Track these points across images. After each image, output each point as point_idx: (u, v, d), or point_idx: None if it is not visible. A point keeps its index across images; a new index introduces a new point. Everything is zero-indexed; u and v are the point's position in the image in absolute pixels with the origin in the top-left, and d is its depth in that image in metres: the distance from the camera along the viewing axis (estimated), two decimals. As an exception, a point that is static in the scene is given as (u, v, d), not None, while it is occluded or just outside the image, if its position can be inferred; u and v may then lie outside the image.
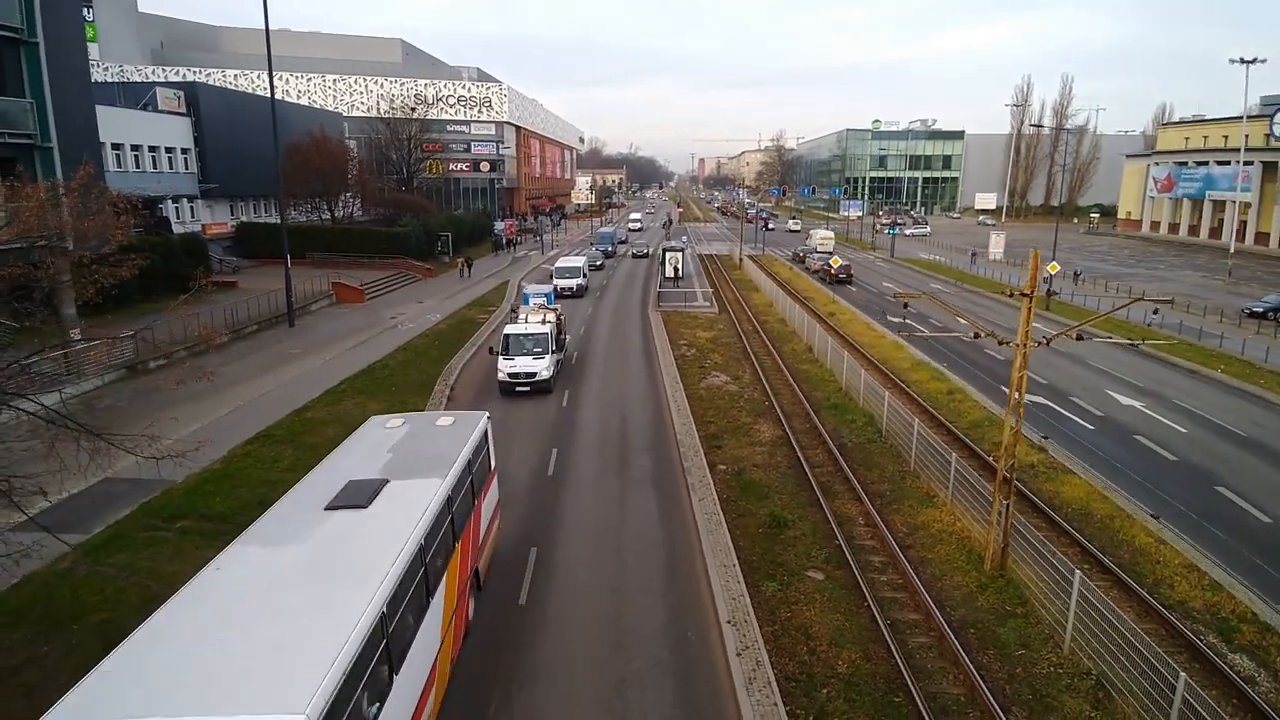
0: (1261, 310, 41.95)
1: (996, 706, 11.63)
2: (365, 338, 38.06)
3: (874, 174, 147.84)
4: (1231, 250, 60.65)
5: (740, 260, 66.93)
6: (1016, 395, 14.79)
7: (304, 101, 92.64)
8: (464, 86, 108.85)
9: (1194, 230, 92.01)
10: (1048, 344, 15.48)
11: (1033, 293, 14.16)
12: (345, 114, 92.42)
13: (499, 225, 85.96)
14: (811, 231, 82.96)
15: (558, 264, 55.60)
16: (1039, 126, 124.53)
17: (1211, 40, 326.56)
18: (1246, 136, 71.34)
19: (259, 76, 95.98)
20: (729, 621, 13.86)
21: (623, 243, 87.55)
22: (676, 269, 54.87)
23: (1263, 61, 56.58)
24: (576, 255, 63.03)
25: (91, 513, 18.29)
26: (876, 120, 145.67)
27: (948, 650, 13.20)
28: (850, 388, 28.30)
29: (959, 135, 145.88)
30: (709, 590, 15.13)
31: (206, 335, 12.07)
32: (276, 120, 66.61)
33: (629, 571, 16.05)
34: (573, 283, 51.30)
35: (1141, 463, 22.05)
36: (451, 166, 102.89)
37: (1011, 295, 15.44)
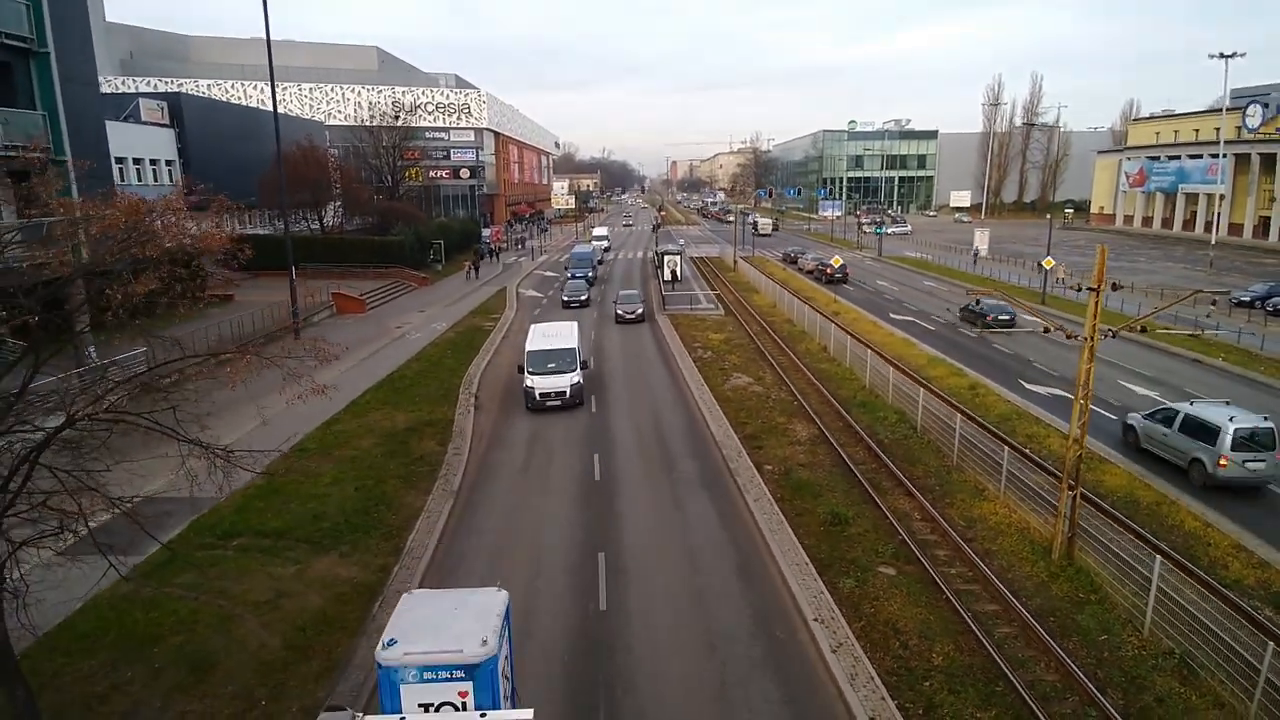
0: (1249, 299, 43.23)
1: (1094, 689, 11.92)
2: (375, 348, 37.71)
3: (851, 174, 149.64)
4: (1213, 242, 62.42)
5: (735, 262, 67.32)
6: (1083, 389, 15.13)
7: (281, 111, 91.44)
8: (442, 93, 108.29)
9: (1167, 223, 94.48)
10: (1114, 335, 15.87)
11: (1099, 287, 14.53)
12: (324, 123, 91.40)
13: (486, 232, 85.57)
14: (758, 221, 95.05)
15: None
16: (1030, 125, 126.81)
17: (1175, 37, 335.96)
18: (1219, 130, 73.39)
19: (233, 86, 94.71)
20: (816, 619, 14.03)
21: (600, 262, 68.60)
22: (674, 271, 55.15)
23: (1241, 55, 58.33)
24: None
25: (138, 534, 17.93)
26: (852, 121, 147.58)
27: (1034, 639, 13.47)
28: (874, 385, 28.68)
29: (933, 135, 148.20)
30: (787, 589, 15.29)
31: (321, 352, 11.78)
32: (263, 130, 65.82)
33: (702, 573, 16.15)
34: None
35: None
36: (432, 174, 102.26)
37: (1080, 290, 15.78)
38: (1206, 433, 19.87)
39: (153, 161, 53.53)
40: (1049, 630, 13.66)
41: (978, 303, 40.77)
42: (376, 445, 23.84)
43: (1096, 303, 14.69)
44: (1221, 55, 58.63)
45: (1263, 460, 19.07)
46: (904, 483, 20.05)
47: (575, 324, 30.80)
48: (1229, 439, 19.20)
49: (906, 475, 20.54)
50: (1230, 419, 19.59)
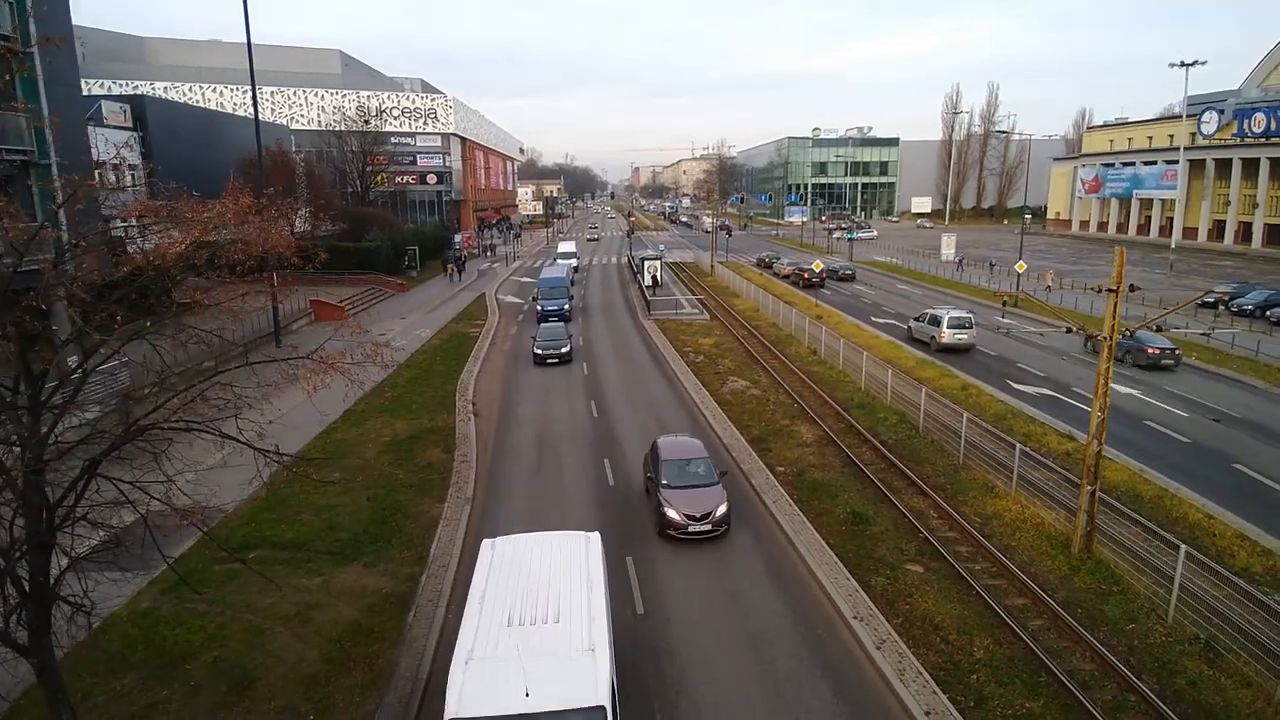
0: (1213, 300, 45.00)
1: (1130, 675, 12.33)
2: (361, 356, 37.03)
3: (815, 180, 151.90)
4: (1173, 246, 64.82)
5: (712, 267, 67.81)
6: (1102, 386, 15.65)
7: (245, 115, 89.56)
8: (409, 98, 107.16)
9: (1122, 228, 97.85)
10: (1132, 334, 16.42)
11: (1119, 289, 15.05)
12: (290, 127, 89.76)
13: (458, 238, 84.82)
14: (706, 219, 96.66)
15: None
16: (1002, 133, 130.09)
17: (1122, 49, 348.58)
18: (1173, 137, 76.30)
19: (190, 89, 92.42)
20: (856, 617, 14.23)
21: (572, 283, 55.97)
22: (655, 277, 55.29)
23: (1203, 63, 60.61)
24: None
25: (147, 549, 17.42)
26: (816, 128, 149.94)
27: (1066, 630, 13.87)
28: (869, 388, 29.17)
29: (894, 142, 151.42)
30: (820, 588, 15.48)
31: (379, 357, 11.65)
32: (227, 134, 64.27)
33: (732, 574, 16.27)
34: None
35: (1160, 446, 23.46)
36: (399, 179, 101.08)
37: (1100, 291, 16.35)
38: (936, 321, 36.62)
39: (115, 166, 51.95)
40: (1079, 621, 14.08)
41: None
42: (381, 454, 23.49)
43: (1115, 303, 15.24)
44: (1182, 64, 60.97)
45: (964, 334, 35.82)
46: (916, 482, 20.44)
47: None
48: (945, 322, 36.09)
49: (916, 474, 20.94)
50: (947, 313, 36.71)
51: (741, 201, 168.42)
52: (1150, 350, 32.28)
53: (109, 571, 10.02)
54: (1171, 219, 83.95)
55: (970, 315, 36.81)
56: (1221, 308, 44.66)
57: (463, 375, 33.01)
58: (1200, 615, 13.50)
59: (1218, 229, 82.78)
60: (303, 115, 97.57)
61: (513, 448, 24.48)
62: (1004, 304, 34.90)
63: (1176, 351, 32.92)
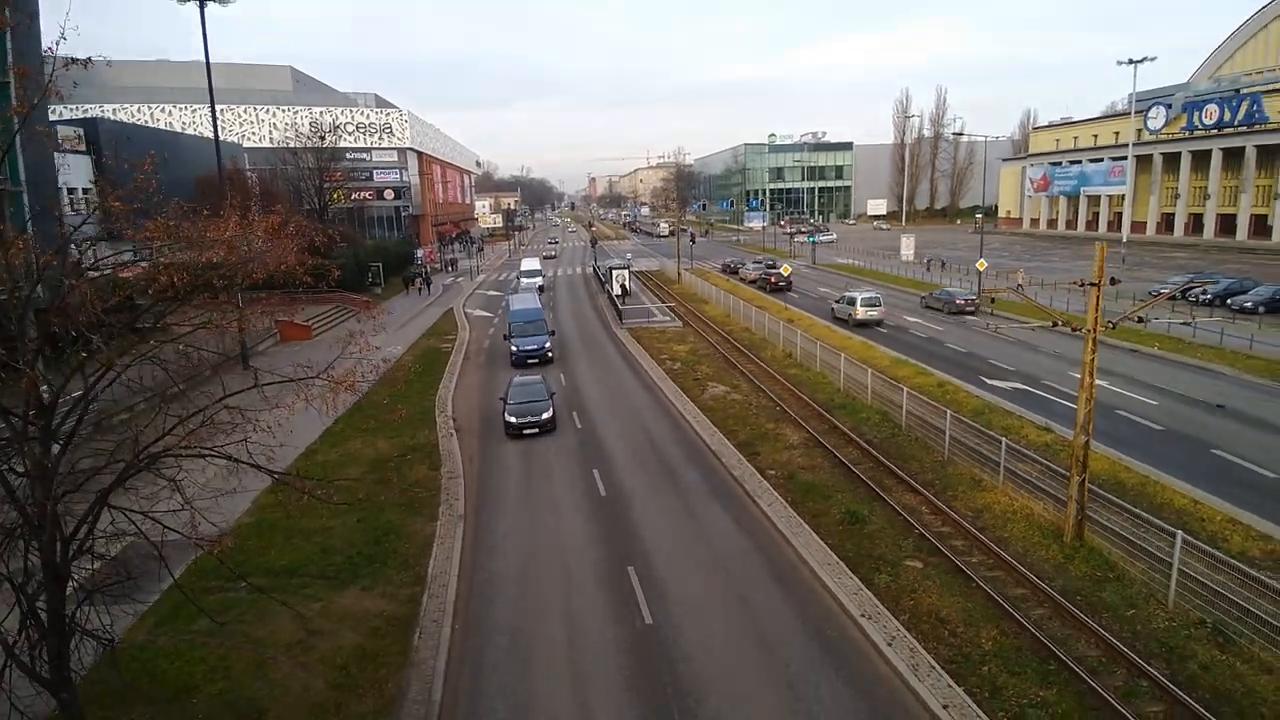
0: (1166, 291, 46.46)
1: (1141, 660, 12.62)
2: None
3: (773, 185, 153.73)
4: (1124, 240, 67.04)
5: (679, 274, 68.09)
6: (1088, 378, 16.06)
7: (194, 134, 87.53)
8: (362, 113, 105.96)
9: (1071, 224, 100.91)
10: (1114, 326, 16.88)
11: (1100, 282, 15.48)
12: (242, 145, 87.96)
13: (420, 253, 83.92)
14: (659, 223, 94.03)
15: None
16: (959, 134, 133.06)
17: (1062, 51, 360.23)
18: (1118, 134, 78.96)
19: (139, 110, 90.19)
20: (864, 616, 14.35)
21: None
22: (624, 285, 55.38)
23: (1152, 60, 62.98)
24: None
25: (131, 580, 16.81)
26: (772, 134, 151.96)
27: (1069, 618, 14.15)
28: (849, 388, 29.53)
29: (848, 146, 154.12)
30: (825, 589, 15.58)
31: (377, 368, 11.44)
32: (180, 155, 62.71)
33: (736, 579, 16.28)
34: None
35: (1135, 434, 24.14)
36: (355, 195, 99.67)
37: (1082, 285, 16.78)
38: (852, 302, 43.37)
39: (70, 190, 50.36)
40: (1079, 609, 14.37)
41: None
42: (366, 474, 23.03)
43: (1098, 297, 15.66)
44: (1130, 61, 63.33)
45: (874, 310, 42.74)
46: (905, 479, 20.72)
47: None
48: (859, 301, 42.90)
49: (905, 472, 21.23)
50: (860, 294, 43.81)
51: (704, 208, 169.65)
52: (959, 301, 46.19)
53: (121, 604, 9.66)
54: (1119, 214, 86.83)
55: (878, 296, 45.35)
56: (1180, 297, 46.11)
57: (440, 391, 32.61)
58: (1203, 600, 13.85)
59: (1166, 222, 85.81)
60: (254, 133, 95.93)
61: (499, 461, 24.24)
62: (991, 300, 36.17)
63: (975, 302, 45.99)
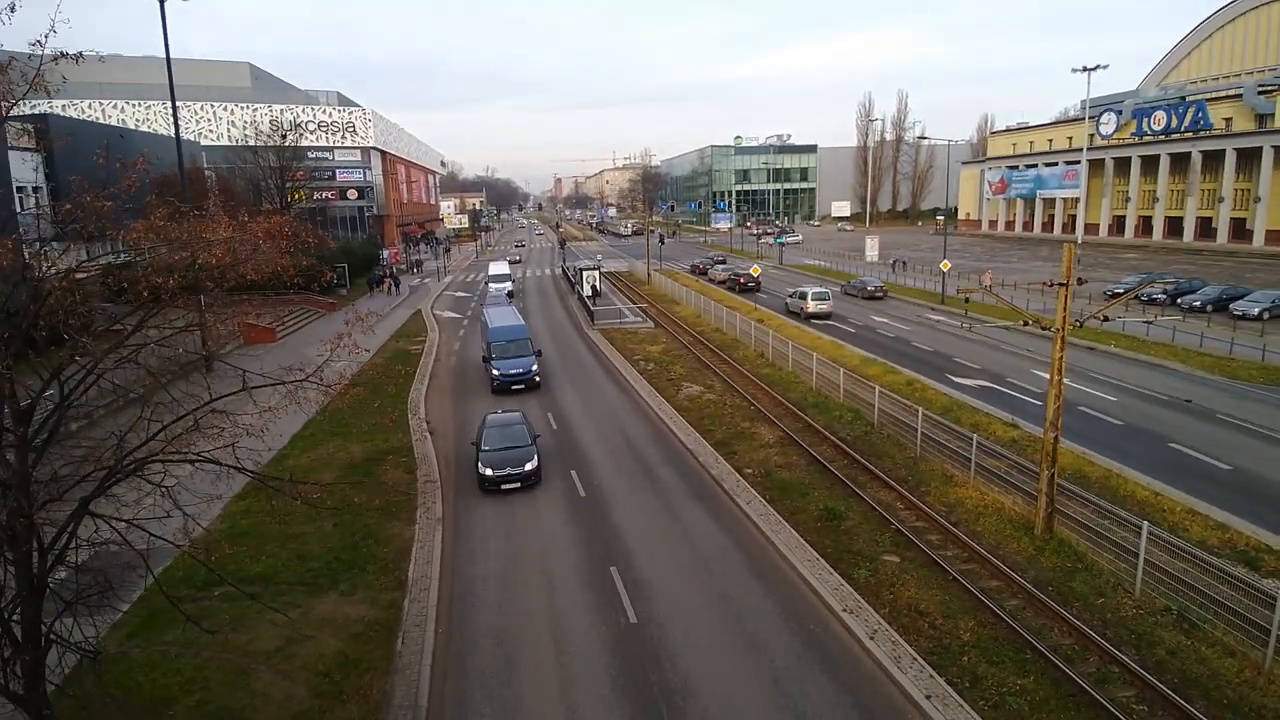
0: (1121, 291, 48.03)
1: (1112, 647, 13.06)
2: (300, 378, 35.71)
3: (739, 187, 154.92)
4: (1079, 241, 68.93)
5: (649, 275, 68.27)
6: (1057, 376, 16.55)
7: (150, 131, 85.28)
8: (324, 111, 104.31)
9: (1028, 226, 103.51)
10: (1080, 325, 17.41)
11: (1068, 283, 15.98)
12: (200, 143, 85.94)
13: (385, 254, 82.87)
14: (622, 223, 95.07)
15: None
16: (923, 138, 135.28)
17: (1019, 57, 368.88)
18: (1071, 139, 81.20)
19: (90, 106, 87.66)
20: (845, 610, 14.60)
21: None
22: (594, 286, 55.40)
23: (1105, 67, 65.00)
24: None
25: (101, 591, 16.38)
26: (738, 136, 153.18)
27: (1042, 608, 14.57)
28: (821, 388, 29.94)
29: (812, 149, 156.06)
30: (806, 585, 15.81)
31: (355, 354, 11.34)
32: (136, 153, 60.96)
33: (718, 577, 16.43)
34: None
35: (1096, 430, 24.87)
36: (318, 195, 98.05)
37: (1051, 285, 17.27)
38: (804, 296, 47.34)
39: (19, 189, 48.69)
40: (1051, 599, 14.81)
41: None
42: (340, 478, 22.65)
43: (1066, 296, 16.14)
44: (1085, 68, 65.25)
45: (824, 304, 46.56)
46: (879, 476, 21.11)
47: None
48: (810, 295, 46.94)
49: (879, 469, 21.62)
50: (811, 289, 48.19)
51: (672, 209, 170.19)
52: (870, 288, 54.30)
53: (102, 614, 9.43)
54: (1074, 216, 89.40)
55: (828, 291, 49.63)
56: (1148, 299, 47.59)
57: (412, 393, 32.26)
58: (1167, 588, 14.39)
59: (1118, 224, 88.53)
60: (212, 130, 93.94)
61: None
62: (965, 300, 37.28)
63: (883, 288, 54.53)
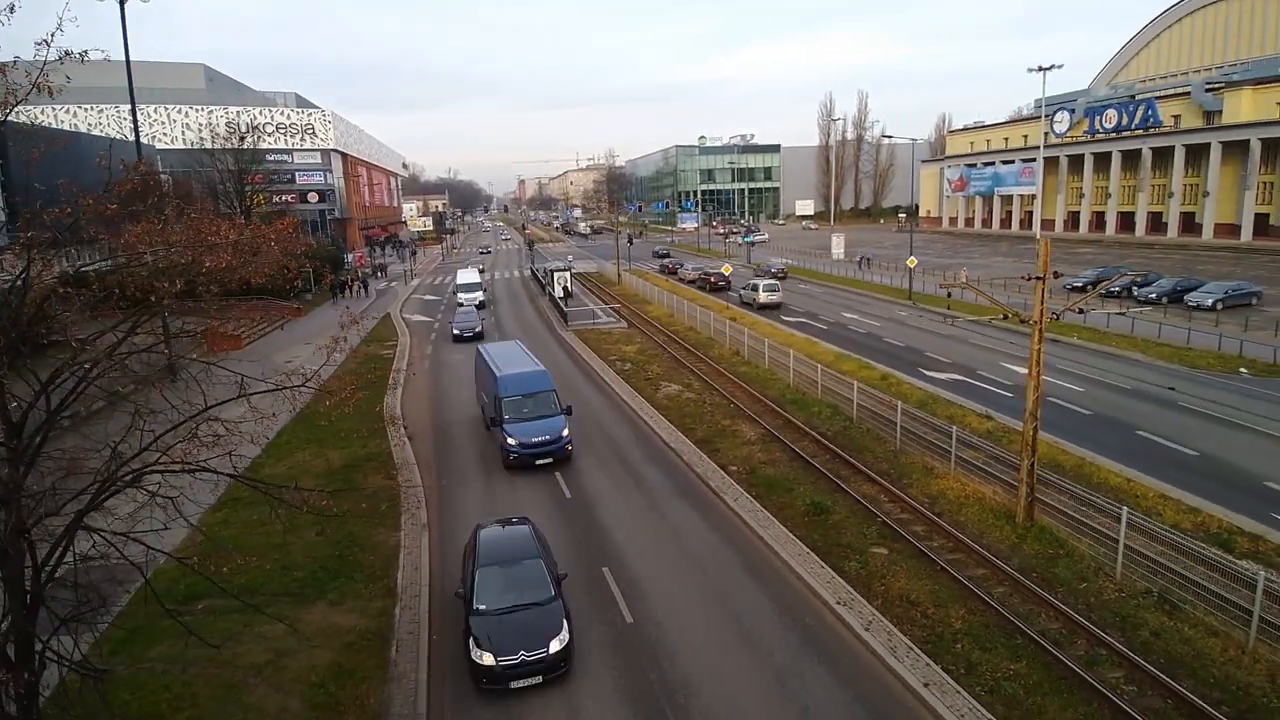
0: (1081, 284, 49.40)
1: (1098, 630, 13.43)
2: (258, 388, 35.04)
3: (704, 187, 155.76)
4: (1037, 236, 70.57)
5: (619, 275, 68.26)
6: (1036, 368, 16.95)
7: (103, 135, 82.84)
8: (282, 113, 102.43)
9: (986, 223, 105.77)
10: (1058, 318, 17.83)
11: (1045, 276, 16.37)
12: (155, 146, 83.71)
13: (349, 257, 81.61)
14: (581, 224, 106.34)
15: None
16: (888, 137, 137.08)
17: (977, 58, 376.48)
18: (1026, 138, 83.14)
19: (42, 112, 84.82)
20: (839, 603, 14.78)
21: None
22: (565, 287, 55.22)
23: (1059, 67, 66.71)
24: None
25: (95, 608, 15.88)
26: (702, 136, 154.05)
27: (1028, 594, 14.92)
28: (798, 384, 30.23)
29: (776, 149, 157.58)
30: (798, 579, 15.97)
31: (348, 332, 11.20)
32: (90, 157, 59.45)
33: (711, 574, 16.51)
34: None
35: (1067, 420, 25.50)
36: (276, 199, 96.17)
37: (1028, 278, 17.70)
38: (755, 288, 50.78)
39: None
40: (1036, 584, 15.17)
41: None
42: (320, 485, 22.23)
43: (1043, 289, 16.54)
44: (1040, 69, 66.92)
45: (774, 295, 50.01)
46: (862, 470, 21.40)
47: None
48: (761, 286, 50.56)
49: (861, 463, 21.91)
50: (762, 281, 51.94)
51: (639, 210, 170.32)
52: (774, 270, 62.06)
53: (93, 630, 9.16)
54: (1030, 213, 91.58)
55: (777, 283, 53.21)
56: (1090, 290, 48.92)
57: (387, 398, 31.83)
58: (1147, 571, 14.84)
59: (1073, 220, 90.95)
60: (166, 134, 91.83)
61: (458, 469, 23.85)
62: (948, 295, 38.26)
63: (785, 270, 64.20)
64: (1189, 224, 78.03)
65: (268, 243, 9.42)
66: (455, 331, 43.75)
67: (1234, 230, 72.71)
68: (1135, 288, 47.94)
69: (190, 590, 16.46)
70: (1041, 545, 16.74)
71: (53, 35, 8.35)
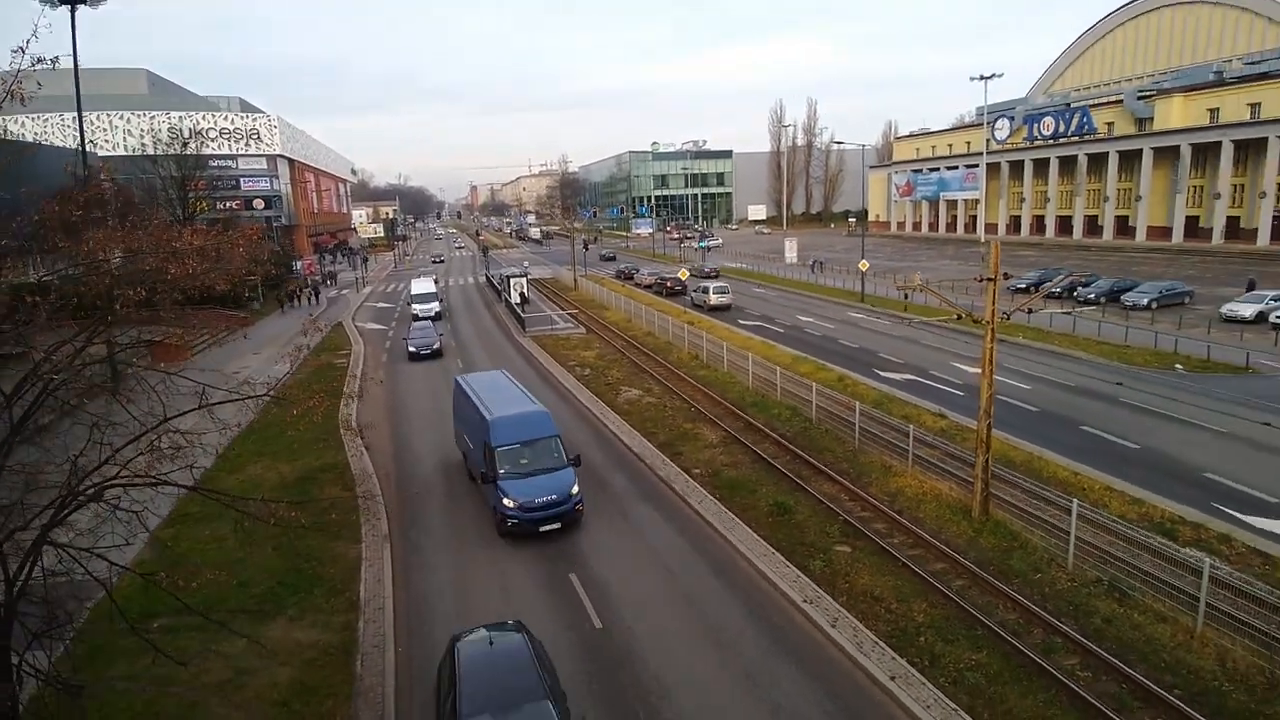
0: (1025, 286, 51.02)
1: (1053, 619, 13.90)
2: (219, 398, 34.03)
3: (658, 192, 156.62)
4: (982, 240, 72.84)
5: (575, 281, 68.15)
6: (989, 366, 17.49)
7: (44, 143, 79.58)
8: (227, 118, 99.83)
9: (933, 226, 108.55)
10: (1008, 318, 18.41)
11: (995, 277, 16.92)
12: (97, 153, 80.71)
13: (298, 264, 79.79)
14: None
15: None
16: (839, 143, 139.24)
17: (919, 66, 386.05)
18: (969, 144, 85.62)
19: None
20: (806, 601, 15.00)
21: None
22: (522, 294, 54.93)
23: (1000, 76, 68.87)
24: None
25: (63, 624, 15.23)
26: (655, 142, 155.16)
27: (986, 586, 15.36)
28: (758, 387, 30.59)
29: (728, 154, 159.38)
30: (765, 579, 16.16)
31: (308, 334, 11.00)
32: (27, 167, 57.28)
33: (678, 577, 16.60)
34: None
35: (1016, 417, 26.30)
36: (221, 206, 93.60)
37: (980, 280, 18.21)
38: (705, 290, 52.96)
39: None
40: (993, 576, 15.62)
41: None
42: (273, 499, 21.71)
43: (994, 290, 17.09)
44: (982, 77, 69.14)
45: (724, 296, 52.23)
46: (823, 470, 21.75)
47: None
48: (712, 289, 52.93)
49: (821, 463, 22.27)
50: (712, 284, 54.25)
51: (594, 215, 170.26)
52: (707, 270, 67.54)
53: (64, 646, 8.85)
54: (975, 216, 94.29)
55: (727, 285, 55.37)
56: (1033, 290, 50.59)
57: (341, 408, 31.20)
58: (1098, 561, 15.41)
59: (1015, 223, 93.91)
60: (108, 140, 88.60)
61: (419, 478, 23.55)
62: (905, 297, 39.36)
63: (717, 270, 69.53)
64: (1123, 227, 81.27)
65: (235, 248, 9.22)
66: (411, 349, 40.53)
67: (1166, 233, 75.97)
68: (1077, 288, 49.66)
69: (148, 607, 15.91)
70: (997, 539, 17.25)
71: (28, 42, 8.04)
